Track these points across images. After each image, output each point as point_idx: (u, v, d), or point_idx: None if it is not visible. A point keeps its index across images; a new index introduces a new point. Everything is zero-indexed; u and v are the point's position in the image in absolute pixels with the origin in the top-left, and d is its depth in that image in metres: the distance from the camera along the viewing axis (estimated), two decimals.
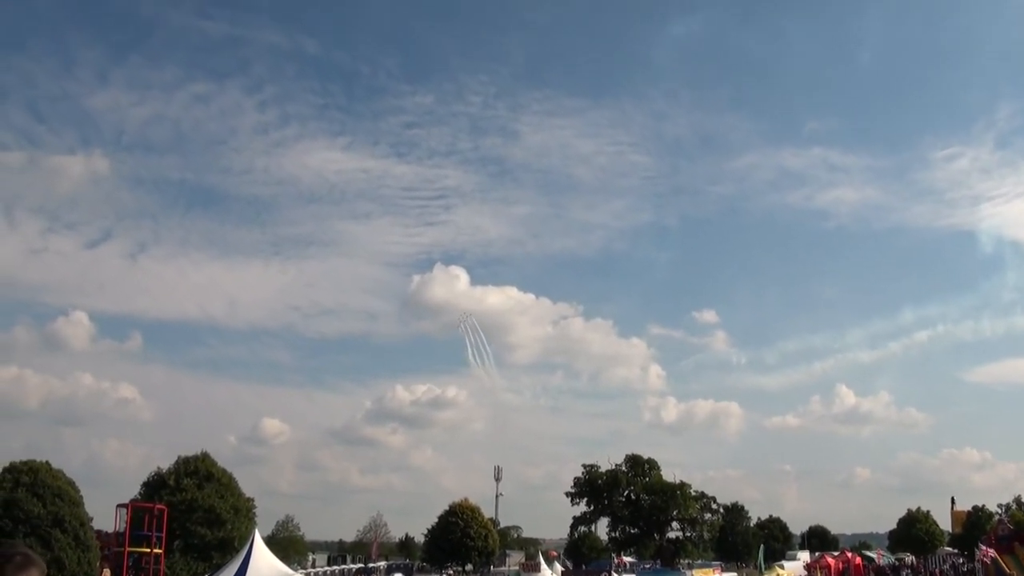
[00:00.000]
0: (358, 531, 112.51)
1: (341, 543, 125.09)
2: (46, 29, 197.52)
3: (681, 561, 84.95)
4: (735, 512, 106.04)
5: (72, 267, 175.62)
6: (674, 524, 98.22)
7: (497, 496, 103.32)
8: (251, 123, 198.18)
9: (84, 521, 49.56)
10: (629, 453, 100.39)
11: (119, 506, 50.76)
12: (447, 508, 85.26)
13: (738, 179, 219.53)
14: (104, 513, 53.80)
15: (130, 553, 47.28)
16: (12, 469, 48.17)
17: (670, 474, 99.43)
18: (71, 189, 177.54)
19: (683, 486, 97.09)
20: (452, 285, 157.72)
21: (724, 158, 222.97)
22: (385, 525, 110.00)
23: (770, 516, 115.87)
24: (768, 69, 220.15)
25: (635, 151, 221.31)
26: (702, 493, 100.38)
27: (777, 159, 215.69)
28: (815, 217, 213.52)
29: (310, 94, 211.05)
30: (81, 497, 51.67)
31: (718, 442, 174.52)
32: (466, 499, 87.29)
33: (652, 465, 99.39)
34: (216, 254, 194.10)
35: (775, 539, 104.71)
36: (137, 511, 51.00)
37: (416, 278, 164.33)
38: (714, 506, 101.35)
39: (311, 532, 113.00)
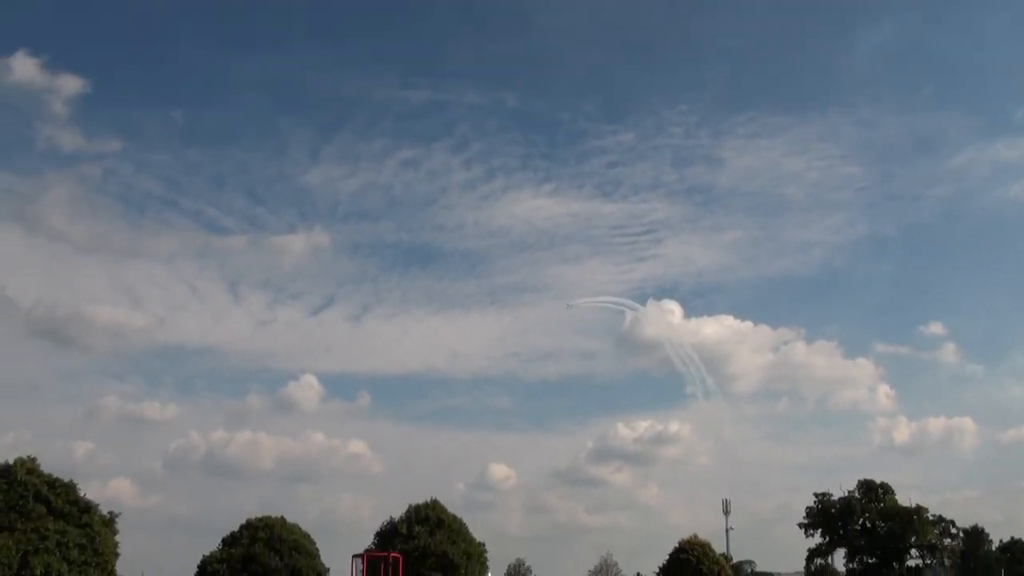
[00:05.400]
0: (589, 571, 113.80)
1: None
2: (257, 120, 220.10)
3: None
4: (975, 536, 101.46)
5: (299, 334, 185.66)
6: (912, 551, 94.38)
7: (727, 531, 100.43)
8: (459, 181, 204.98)
9: (321, 572, 53.73)
10: (862, 479, 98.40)
11: (355, 556, 54.06)
12: (677, 545, 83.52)
13: (955, 179, 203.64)
14: (340, 564, 56.03)
15: None
16: (249, 526, 52.80)
17: (905, 498, 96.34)
18: (293, 263, 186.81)
19: (920, 510, 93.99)
20: (666, 319, 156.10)
21: (938, 159, 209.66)
22: (616, 564, 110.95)
23: (1012, 538, 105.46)
24: (968, 63, 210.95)
25: (846, 163, 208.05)
26: (940, 517, 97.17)
27: (991, 153, 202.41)
28: None
29: (513, 146, 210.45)
30: (317, 549, 55.92)
31: (953, 461, 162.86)
32: (695, 535, 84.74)
33: (886, 490, 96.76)
34: (435, 309, 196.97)
35: (1018, 562, 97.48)
36: (372, 560, 54.00)
37: (630, 315, 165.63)
38: (953, 530, 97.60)
39: (542, 574, 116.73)
